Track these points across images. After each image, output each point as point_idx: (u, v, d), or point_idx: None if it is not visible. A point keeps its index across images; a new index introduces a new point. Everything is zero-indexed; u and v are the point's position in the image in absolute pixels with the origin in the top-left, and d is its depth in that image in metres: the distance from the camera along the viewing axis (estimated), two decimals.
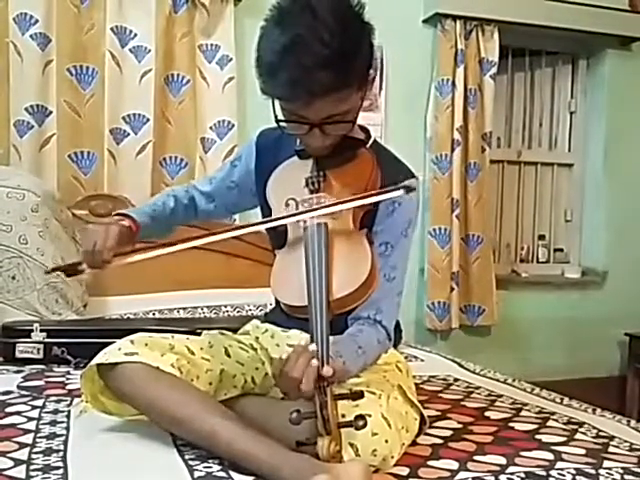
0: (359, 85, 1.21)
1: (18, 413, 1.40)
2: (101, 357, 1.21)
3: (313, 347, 1.03)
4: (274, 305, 1.47)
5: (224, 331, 1.47)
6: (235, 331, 1.51)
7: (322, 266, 1.11)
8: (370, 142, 1.38)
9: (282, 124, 1.24)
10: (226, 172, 1.51)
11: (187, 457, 1.15)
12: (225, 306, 2.48)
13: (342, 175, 1.26)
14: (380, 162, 1.29)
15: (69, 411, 1.42)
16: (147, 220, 1.39)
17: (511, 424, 1.45)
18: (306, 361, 1.02)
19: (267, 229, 1.34)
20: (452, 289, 3.16)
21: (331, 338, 1.06)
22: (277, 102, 1.22)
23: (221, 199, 1.52)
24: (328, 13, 1.15)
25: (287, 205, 1.25)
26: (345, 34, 1.15)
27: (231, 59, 2.77)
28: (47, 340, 1.91)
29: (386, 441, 1.09)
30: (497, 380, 1.94)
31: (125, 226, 1.33)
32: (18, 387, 1.62)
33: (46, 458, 1.14)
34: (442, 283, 3.15)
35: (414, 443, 1.26)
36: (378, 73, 3.06)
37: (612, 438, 1.39)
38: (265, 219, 1.28)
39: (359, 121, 1.30)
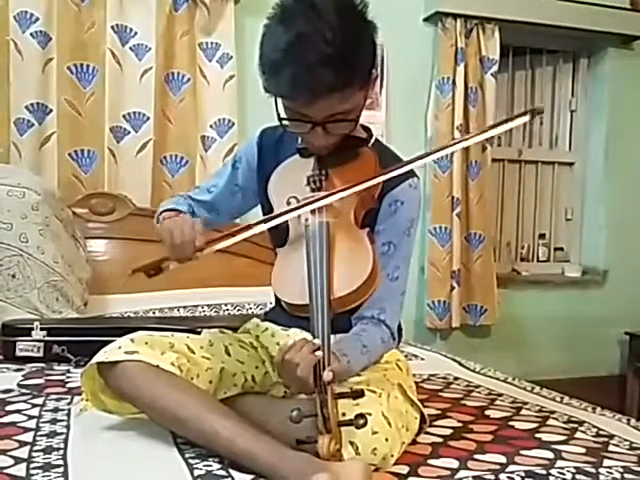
0: (362, 84, 1.21)
1: (18, 411, 1.40)
2: (101, 355, 1.21)
3: (317, 341, 1.04)
4: (274, 304, 1.47)
5: (224, 330, 1.47)
6: (235, 330, 1.51)
7: (323, 265, 1.11)
8: (372, 141, 1.38)
9: (284, 122, 1.24)
10: (228, 177, 1.49)
11: (187, 455, 1.15)
12: (225, 305, 2.48)
13: (344, 173, 1.26)
14: (382, 161, 1.29)
15: (69, 409, 1.42)
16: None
17: (511, 423, 1.45)
18: (308, 350, 1.03)
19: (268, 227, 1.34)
20: (452, 288, 3.16)
21: (333, 337, 1.07)
22: (280, 100, 1.22)
23: (225, 206, 1.50)
24: (332, 12, 1.15)
25: (288, 203, 1.25)
26: (348, 33, 1.15)
27: (231, 57, 2.77)
28: (47, 338, 1.91)
29: (386, 440, 1.10)
30: (497, 379, 1.94)
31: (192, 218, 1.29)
32: (18, 385, 1.62)
33: (46, 456, 1.14)
34: (442, 282, 3.15)
35: (414, 442, 1.26)
36: (379, 71, 3.05)
37: (612, 437, 1.39)
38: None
39: (361, 120, 1.30)
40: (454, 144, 1.23)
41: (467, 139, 1.19)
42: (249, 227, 1.23)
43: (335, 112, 1.19)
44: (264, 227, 1.23)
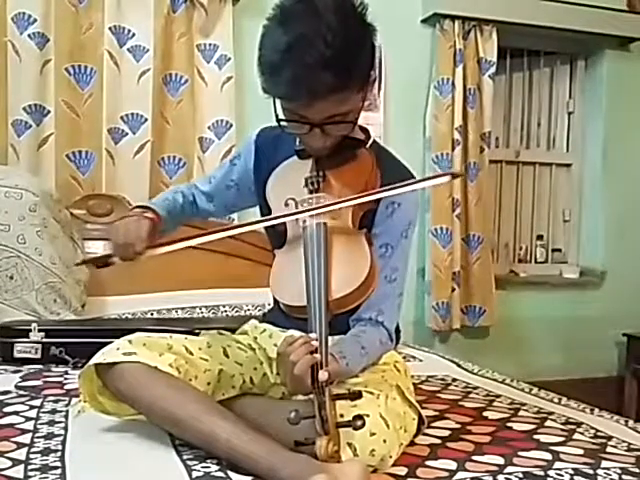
0: (361, 86, 1.21)
1: (16, 413, 1.40)
2: (99, 357, 1.21)
3: (315, 342, 1.04)
4: (272, 305, 1.47)
5: (222, 331, 1.47)
6: (233, 331, 1.51)
7: (321, 266, 1.11)
8: (370, 142, 1.38)
9: (283, 123, 1.24)
10: (225, 171, 1.51)
11: (185, 457, 1.15)
12: (223, 306, 2.48)
13: (342, 175, 1.27)
14: (380, 162, 1.29)
15: (67, 411, 1.42)
16: (165, 214, 1.39)
17: (509, 424, 1.45)
18: (306, 349, 1.03)
19: (266, 229, 1.34)
20: (453, 289, 3.16)
21: (332, 338, 1.07)
22: (278, 101, 1.22)
23: (220, 198, 1.52)
24: (331, 13, 1.15)
25: (286, 205, 1.26)
26: (348, 34, 1.15)
27: (229, 59, 2.77)
28: (45, 340, 1.91)
29: (384, 441, 1.10)
30: (495, 380, 1.94)
31: (149, 218, 1.32)
32: (16, 387, 1.62)
33: (44, 458, 1.14)
34: (444, 283, 3.14)
35: (412, 443, 1.26)
36: (377, 73, 3.05)
37: (610, 438, 1.39)
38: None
39: (359, 121, 1.30)
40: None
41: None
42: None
43: (334, 113, 1.19)
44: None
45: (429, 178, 1.31)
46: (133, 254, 1.26)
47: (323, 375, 1.01)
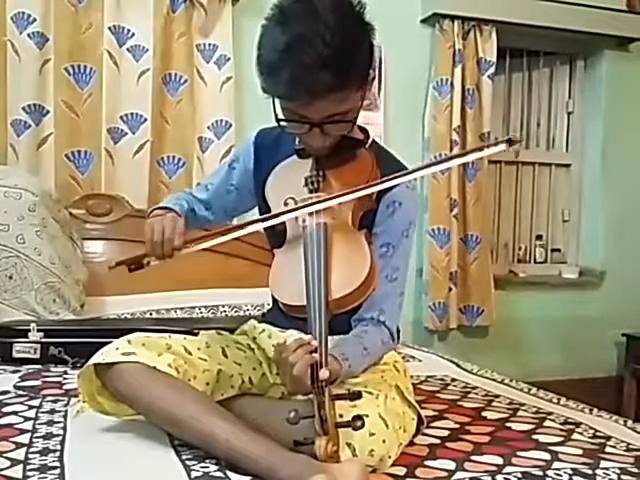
0: (359, 85, 1.21)
1: (15, 413, 1.40)
2: (98, 357, 1.21)
3: (315, 343, 1.04)
4: (272, 305, 1.47)
5: (221, 331, 1.47)
6: (232, 331, 1.51)
7: (321, 266, 1.11)
8: (369, 142, 1.38)
9: (282, 123, 1.24)
10: (224, 176, 1.50)
11: (184, 457, 1.15)
12: (223, 306, 2.48)
13: (341, 175, 1.27)
14: (379, 162, 1.29)
15: (66, 411, 1.42)
16: (184, 216, 1.38)
17: (508, 424, 1.45)
18: (305, 350, 1.03)
19: (265, 228, 1.34)
20: (450, 289, 3.16)
21: (333, 338, 1.07)
22: (277, 101, 1.23)
23: (219, 204, 1.50)
24: (330, 13, 1.15)
25: (286, 204, 1.26)
26: (346, 34, 1.16)
27: (229, 59, 2.77)
28: (44, 340, 1.91)
29: (383, 441, 1.10)
30: (494, 380, 1.94)
31: (177, 217, 1.31)
32: (15, 387, 1.62)
33: (43, 458, 1.14)
34: (441, 283, 3.15)
35: (411, 443, 1.27)
36: (377, 73, 3.05)
37: (609, 438, 1.39)
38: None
39: (358, 121, 1.30)
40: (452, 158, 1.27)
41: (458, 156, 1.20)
42: (234, 229, 1.25)
43: (333, 113, 1.19)
44: (252, 229, 1.25)
45: (484, 147, 1.20)
46: (172, 251, 1.24)
47: (324, 373, 1.01)
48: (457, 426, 1.42)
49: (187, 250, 1.26)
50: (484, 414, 1.53)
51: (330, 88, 1.15)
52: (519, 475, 1.13)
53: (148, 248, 1.26)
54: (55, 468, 1.09)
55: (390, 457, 1.12)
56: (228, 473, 1.08)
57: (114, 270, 1.31)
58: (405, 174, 1.20)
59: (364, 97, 1.26)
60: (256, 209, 1.48)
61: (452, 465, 1.17)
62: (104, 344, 1.25)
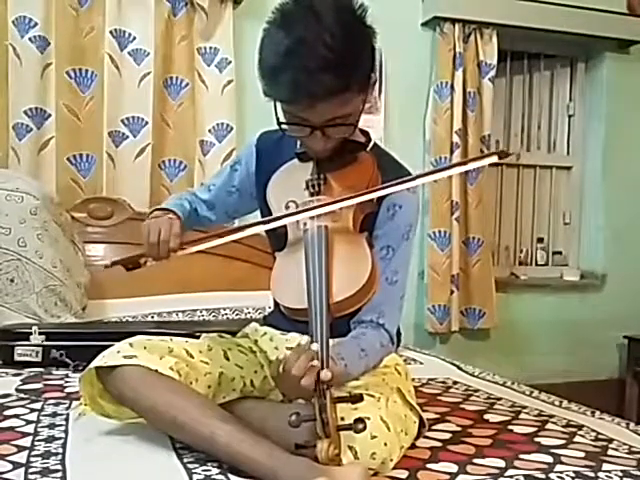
0: (361, 88, 1.22)
1: (16, 416, 1.40)
2: (100, 360, 1.21)
3: (315, 347, 1.03)
4: (273, 308, 1.47)
5: (223, 334, 1.47)
6: (234, 334, 1.51)
7: (322, 269, 1.11)
8: (370, 145, 1.38)
9: (284, 126, 1.24)
10: (226, 177, 1.50)
11: (186, 460, 1.15)
12: (224, 309, 2.48)
13: (343, 178, 1.27)
14: (380, 165, 1.29)
15: (68, 414, 1.42)
16: (183, 217, 1.39)
17: (510, 427, 1.45)
18: (307, 360, 1.02)
19: (267, 231, 1.34)
20: (452, 292, 3.16)
21: (332, 341, 1.06)
22: (279, 104, 1.23)
23: (221, 205, 1.51)
24: (331, 16, 1.15)
25: (287, 207, 1.26)
26: (348, 37, 1.16)
27: (230, 62, 2.78)
28: (46, 343, 1.90)
29: (385, 444, 1.10)
30: (496, 383, 1.94)
31: (177, 217, 1.33)
32: (16, 390, 1.62)
33: (44, 461, 1.13)
34: (442, 286, 3.15)
35: (413, 446, 1.26)
36: (377, 76, 3.06)
37: (611, 441, 1.39)
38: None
39: (359, 124, 1.30)
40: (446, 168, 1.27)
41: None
42: (232, 231, 1.26)
43: (334, 116, 1.19)
44: (251, 231, 1.25)
45: (474, 159, 1.23)
46: (167, 252, 1.26)
47: (326, 375, 1.00)
48: (459, 429, 1.42)
49: (183, 252, 1.27)
50: (486, 417, 1.53)
51: (332, 91, 1.15)
52: (521, 478, 1.13)
53: (145, 249, 1.28)
54: (57, 471, 1.09)
55: (392, 460, 1.12)
56: (230, 476, 1.08)
57: (116, 273, 1.31)
58: (404, 181, 1.20)
59: (366, 100, 1.26)
60: (258, 212, 1.48)
61: (454, 468, 1.17)
62: (106, 347, 1.25)
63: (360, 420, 1.00)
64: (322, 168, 1.28)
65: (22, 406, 1.47)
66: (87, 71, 2.63)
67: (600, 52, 3.56)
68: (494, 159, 1.15)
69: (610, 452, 1.31)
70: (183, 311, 2.44)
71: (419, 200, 1.39)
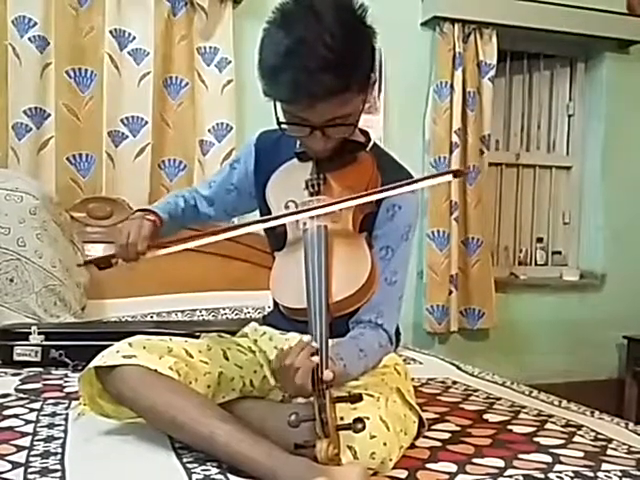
0: (361, 88, 1.22)
1: (16, 416, 1.40)
2: (99, 360, 1.21)
3: (315, 344, 1.04)
4: (272, 308, 1.47)
5: (222, 334, 1.47)
6: (233, 334, 1.51)
7: (322, 268, 1.11)
8: (370, 145, 1.38)
9: (283, 126, 1.24)
10: (225, 175, 1.51)
11: (185, 460, 1.15)
12: (223, 309, 2.48)
13: (342, 178, 1.27)
14: (380, 165, 1.29)
15: (67, 414, 1.42)
16: (166, 217, 1.39)
17: (509, 427, 1.45)
18: (307, 354, 1.02)
19: (266, 231, 1.34)
20: (451, 292, 3.16)
21: (331, 341, 1.06)
22: (279, 104, 1.23)
23: (220, 202, 1.52)
24: (331, 16, 1.15)
25: (287, 207, 1.26)
26: (348, 37, 1.16)
27: (230, 62, 2.77)
28: (45, 343, 1.91)
29: (384, 444, 1.10)
30: (495, 383, 1.94)
31: (151, 220, 1.33)
32: (16, 390, 1.62)
33: (44, 461, 1.13)
34: (441, 286, 3.15)
35: (412, 446, 1.26)
36: (378, 76, 3.06)
37: (610, 441, 1.39)
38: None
39: (359, 124, 1.30)
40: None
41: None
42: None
43: (334, 116, 1.19)
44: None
45: (430, 177, 1.27)
46: (135, 254, 1.27)
47: (328, 375, 1.00)
48: (458, 429, 1.42)
49: (151, 255, 1.28)
50: (485, 417, 1.53)
51: (332, 91, 1.15)
52: (520, 478, 1.13)
53: (115, 250, 1.30)
54: (56, 471, 1.09)
55: (391, 460, 1.12)
56: (229, 476, 1.08)
57: (115, 273, 1.32)
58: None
59: (365, 100, 1.26)
60: (257, 211, 1.48)
61: (453, 468, 1.17)
62: (105, 347, 1.25)
63: (359, 420, 1.00)
64: (322, 168, 1.28)
65: (21, 406, 1.47)
66: (87, 71, 2.63)
67: (600, 52, 3.56)
68: (449, 178, 1.18)
69: (609, 452, 1.31)
70: (182, 311, 2.44)
71: (418, 201, 1.39)
